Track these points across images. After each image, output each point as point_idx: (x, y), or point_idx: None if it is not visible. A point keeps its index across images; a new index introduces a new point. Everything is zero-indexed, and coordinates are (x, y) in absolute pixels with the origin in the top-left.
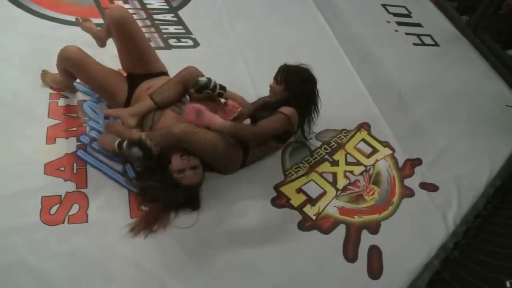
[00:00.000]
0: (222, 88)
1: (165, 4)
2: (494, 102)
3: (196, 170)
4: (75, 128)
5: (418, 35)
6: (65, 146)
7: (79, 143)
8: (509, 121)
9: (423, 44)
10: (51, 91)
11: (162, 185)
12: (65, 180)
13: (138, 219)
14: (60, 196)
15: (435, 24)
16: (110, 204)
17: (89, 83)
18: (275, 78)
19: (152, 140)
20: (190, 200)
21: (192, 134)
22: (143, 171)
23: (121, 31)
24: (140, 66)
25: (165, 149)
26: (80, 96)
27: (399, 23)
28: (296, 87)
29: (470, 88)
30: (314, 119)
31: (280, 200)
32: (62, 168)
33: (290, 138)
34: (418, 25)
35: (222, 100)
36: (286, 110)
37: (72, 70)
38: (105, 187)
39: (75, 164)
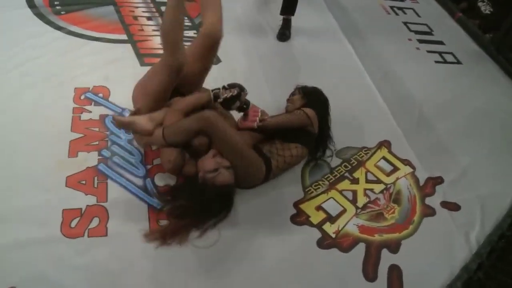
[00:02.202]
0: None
1: (188, 21)
2: None
3: (229, 170)
4: (96, 142)
5: (440, 53)
6: (86, 159)
7: (100, 157)
8: None
9: (445, 62)
10: (75, 105)
11: (194, 199)
12: (86, 194)
13: (156, 228)
14: (81, 209)
15: (457, 42)
16: (129, 218)
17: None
18: (291, 94)
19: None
20: (224, 201)
21: (221, 121)
22: (173, 188)
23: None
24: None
25: (186, 139)
26: (102, 110)
27: (421, 41)
28: (312, 93)
29: (494, 107)
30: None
31: (299, 218)
32: (83, 182)
33: (312, 142)
34: (440, 43)
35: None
36: (305, 108)
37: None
38: (125, 201)
39: (96, 178)
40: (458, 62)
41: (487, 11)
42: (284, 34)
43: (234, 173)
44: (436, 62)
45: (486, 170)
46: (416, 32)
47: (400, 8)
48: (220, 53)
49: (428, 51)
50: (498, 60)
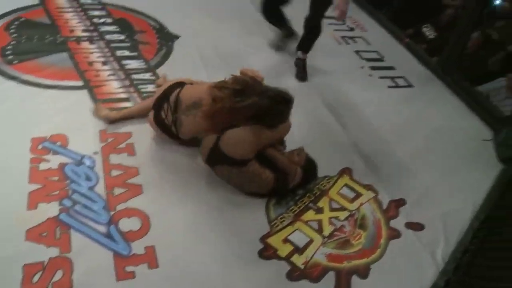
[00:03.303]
0: None
1: (143, 63)
2: (471, 137)
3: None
4: (57, 192)
5: (392, 78)
6: (47, 210)
7: (61, 207)
8: (487, 154)
9: (398, 86)
10: (32, 155)
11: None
12: (48, 246)
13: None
14: (43, 262)
15: (407, 66)
16: (95, 267)
17: None
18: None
19: None
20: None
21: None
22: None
23: None
24: None
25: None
26: (61, 159)
27: (373, 68)
28: (311, 164)
29: (447, 126)
30: None
31: (267, 252)
32: (45, 234)
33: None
34: (391, 68)
35: None
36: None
37: None
38: (89, 250)
39: (58, 229)
40: (410, 85)
41: (431, 36)
42: (302, 74)
43: None
44: (389, 87)
45: (445, 188)
46: (368, 60)
47: (350, 38)
48: None
49: (381, 77)
50: (445, 80)
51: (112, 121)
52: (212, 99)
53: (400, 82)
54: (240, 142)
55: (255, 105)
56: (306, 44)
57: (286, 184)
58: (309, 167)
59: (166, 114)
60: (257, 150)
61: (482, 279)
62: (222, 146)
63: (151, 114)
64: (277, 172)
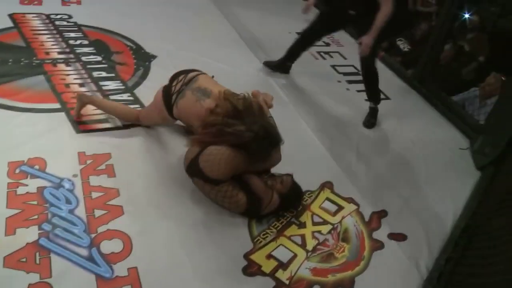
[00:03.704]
0: None
1: (121, 84)
2: (449, 147)
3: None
4: (36, 216)
5: None
6: (25, 235)
7: (41, 231)
8: (465, 163)
9: None
10: (9, 180)
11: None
12: (28, 272)
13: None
14: None
15: (384, 79)
16: None
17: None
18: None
19: None
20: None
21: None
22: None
23: None
24: None
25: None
26: (39, 183)
27: (350, 82)
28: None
29: (425, 137)
30: None
31: (251, 268)
32: (24, 259)
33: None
34: None
35: None
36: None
37: None
38: (71, 274)
39: (37, 254)
40: (387, 98)
41: (405, 49)
42: (369, 121)
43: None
44: (367, 100)
45: (426, 198)
46: (344, 74)
47: (326, 53)
48: None
49: (358, 90)
50: (421, 92)
51: (84, 102)
52: (210, 110)
53: None
54: (217, 163)
55: (239, 135)
56: (369, 93)
57: (259, 208)
58: (290, 196)
59: (177, 83)
60: (233, 173)
61: (465, 286)
62: (200, 161)
63: (162, 86)
64: (250, 196)
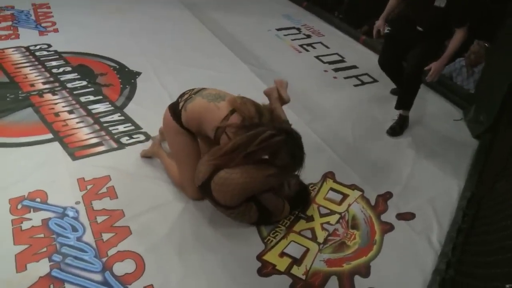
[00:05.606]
0: None
1: (110, 105)
2: (443, 120)
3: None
4: (44, 249)
5: (356, 76)
6: (37, 270)
7: (52, 263)
8: (460, 133)
9: (363, 83)
10: (13, 217)
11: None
12: None
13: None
14: None
15: (369, 62)
16: None
17: None
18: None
19: None
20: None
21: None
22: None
23: None
24: None
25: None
26: (43, 215)
27: (336, 70)
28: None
29: (418, 113)
30: None
31: (266, 269)
32: None
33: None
34: (354, 67)
35: None
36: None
37: None
38: None
39: (51, 286)
40: (375, 80)
41: (386, 30)
42: (394, 128)
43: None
44: (355, 85)
45: (427, 174)
46: (330, 63)
47: (308, 45)
48: (148, 129)
49: (345, 77)
50: None
51: (155, 152)
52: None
53: (365, 79)
54: (230, 194)
55: (267, 143)
56: (406, 100)
57: (268, 221)
58: (298, 200)
59: (184, 95)
60: (244, 199)
61: (479, 255)
62: (212, 185)
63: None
64: (262, 212)
